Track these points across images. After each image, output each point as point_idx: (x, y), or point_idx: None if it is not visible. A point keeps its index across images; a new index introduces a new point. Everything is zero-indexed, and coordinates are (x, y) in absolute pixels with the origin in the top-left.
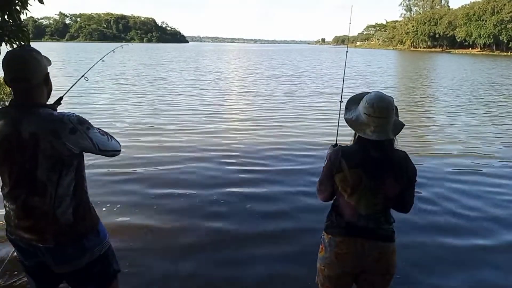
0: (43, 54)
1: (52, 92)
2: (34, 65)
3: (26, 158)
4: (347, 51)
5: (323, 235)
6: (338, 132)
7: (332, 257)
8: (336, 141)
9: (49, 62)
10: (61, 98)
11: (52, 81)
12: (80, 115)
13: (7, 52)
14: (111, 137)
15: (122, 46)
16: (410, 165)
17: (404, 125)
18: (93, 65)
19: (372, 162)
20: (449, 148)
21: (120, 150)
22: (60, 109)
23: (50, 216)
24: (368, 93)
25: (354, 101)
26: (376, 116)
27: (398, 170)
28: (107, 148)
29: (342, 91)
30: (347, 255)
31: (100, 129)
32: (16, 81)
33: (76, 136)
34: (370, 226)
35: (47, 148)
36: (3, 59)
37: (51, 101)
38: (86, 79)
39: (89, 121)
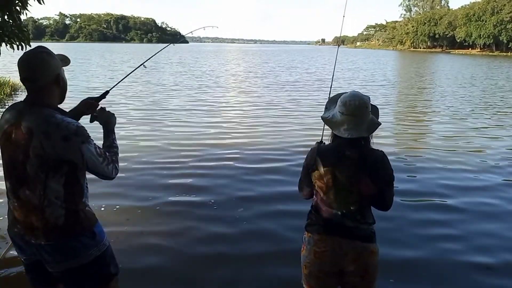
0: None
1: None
2: (40, 67)
3: (20, 150)
4: (337, 51)
5: (304, 234)
6: (324, 130)
7: (311, 256)
8: (322, 137)
9: (64, 62)
10: (107, 92)
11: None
12: (83, 128)
13: (23, 53)
14: (111, 162)
15: (173, 44)
16: (386, 164)
17: (380, 124)
18: (150, 57)
19: (346, 161)
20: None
21: (112, 178)
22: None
23: (39, 212)
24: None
25: (333, 100)
26: (348, 114)
27: (374, 170)
28: (97, 170)
29: (330, 89)
30: (324, 253)
31: (99, 148)
32: (24, 81)
33: (67, 145)
34: (347, 224)
35: (37, 146)
36: (19, 59)
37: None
38: (145, 67)
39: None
